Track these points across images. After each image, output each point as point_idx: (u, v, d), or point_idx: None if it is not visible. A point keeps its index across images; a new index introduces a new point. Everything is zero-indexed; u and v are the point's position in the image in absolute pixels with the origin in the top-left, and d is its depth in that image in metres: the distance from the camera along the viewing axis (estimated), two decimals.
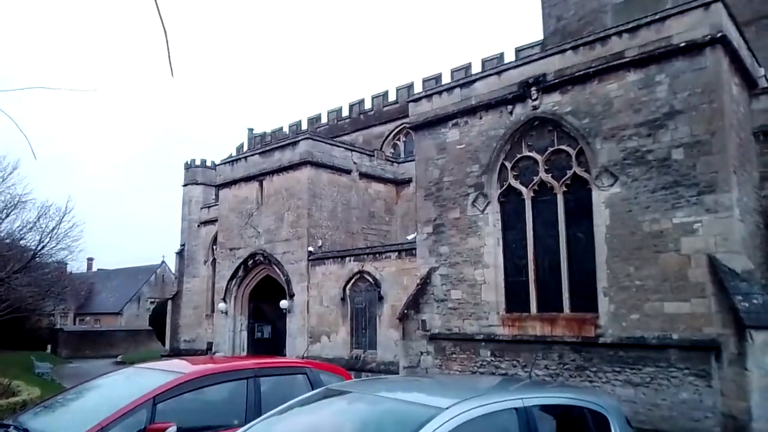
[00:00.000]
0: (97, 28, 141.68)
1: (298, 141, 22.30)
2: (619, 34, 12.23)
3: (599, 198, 12.19)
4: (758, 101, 12.94)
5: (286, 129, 35.80)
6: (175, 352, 30.27)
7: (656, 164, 11.46)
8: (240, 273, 23.53)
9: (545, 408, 4.27)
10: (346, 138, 29.43)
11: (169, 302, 33.59)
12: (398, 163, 25.09)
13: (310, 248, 21.00)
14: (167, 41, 3.21)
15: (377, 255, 19.31)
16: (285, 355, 19.96)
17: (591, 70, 12.45)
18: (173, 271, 40.06)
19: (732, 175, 10.80)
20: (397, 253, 18.68)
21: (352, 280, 19.77)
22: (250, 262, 23.14)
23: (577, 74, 12.67)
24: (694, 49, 11.17)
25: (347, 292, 19.86)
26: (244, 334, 24.03)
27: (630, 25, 12.12)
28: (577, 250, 12.70)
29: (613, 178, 12.01)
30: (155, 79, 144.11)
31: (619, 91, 12.10)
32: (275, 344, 22.95)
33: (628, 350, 11.40)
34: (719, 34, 10.94)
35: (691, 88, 11.18)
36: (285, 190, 22.10)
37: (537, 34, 20.99)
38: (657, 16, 11.76)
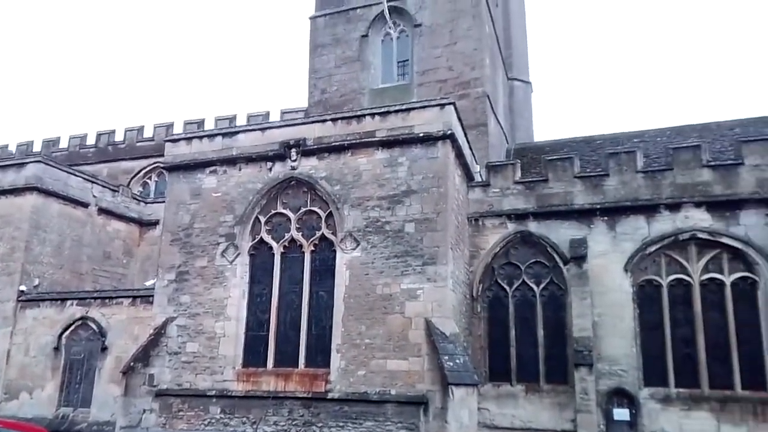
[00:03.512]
0: None
1: (27, 163, 19.35)
2: (372, 115, 13.74)
3: (342, 260, 13.11)
4: (473, 192, 15.61)
5: (12, 148, 30.82)
6: None
7: (392, 234, 12.86)
8: None
9: None
10: (88, 168, 26.44)
11: None
12: (146, 202, 23.33)
13: (23, 287, 17.95)
14: None
15: (107, 300, 17.35)
16: None
17: (346, 142, 13.65)
18: None
19: (449, 251, 12.68)
20: (131, 300, 17.04)
21: (72, 327, 17.31)
22: None
23: (333, 144, 13.74)
24: (429, 140, 13.11)
25: (63, 340, 17.29)
26: None
27: (382, 110, 13.78)
28: (318, 307, 13.32)
29: (355, 243, 13.06)
30: None
31: (368, 166, 13.44)
32: None
33: (353, 405, 12.13)
34: (449, 131, 13.07)
35: (425, 172, 13.00)
36: (0, 216, 18.78)
37: (303, 101, 22.19)
38: (404, 107, 13.62)
